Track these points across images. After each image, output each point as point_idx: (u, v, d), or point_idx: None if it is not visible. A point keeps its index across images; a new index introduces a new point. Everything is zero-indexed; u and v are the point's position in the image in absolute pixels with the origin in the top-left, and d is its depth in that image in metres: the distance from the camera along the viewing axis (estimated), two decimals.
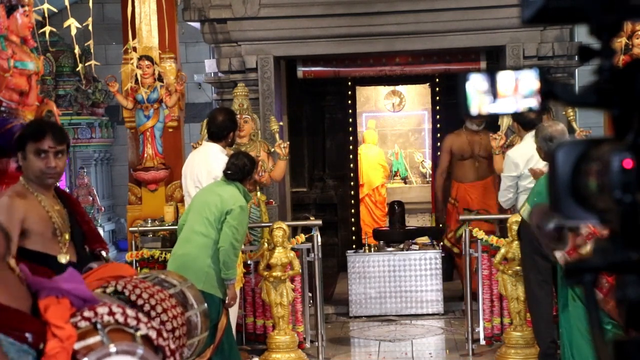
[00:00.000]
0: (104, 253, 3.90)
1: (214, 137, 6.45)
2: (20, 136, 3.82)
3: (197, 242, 5.60)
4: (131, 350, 2.73)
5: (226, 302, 5.63)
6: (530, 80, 1.40)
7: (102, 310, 2.83)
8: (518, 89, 1.41)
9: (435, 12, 8.83)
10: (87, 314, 2.80)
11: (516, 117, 6.59)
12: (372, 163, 12.86)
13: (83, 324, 2.77)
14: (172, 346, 2.97)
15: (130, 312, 2.88)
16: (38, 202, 3.71)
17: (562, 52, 8.92)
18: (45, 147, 3.74)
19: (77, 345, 2.69)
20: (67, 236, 3.75)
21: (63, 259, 3.70)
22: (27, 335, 2.63)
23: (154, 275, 3.41)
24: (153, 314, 3.08)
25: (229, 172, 5.75)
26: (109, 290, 3.11)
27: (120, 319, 2.84)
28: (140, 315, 2.91)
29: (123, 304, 2.96)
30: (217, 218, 5.58)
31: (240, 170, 5.74)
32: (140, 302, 3.09)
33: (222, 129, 6.41)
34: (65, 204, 3.87)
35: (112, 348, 2.71)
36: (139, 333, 2.85)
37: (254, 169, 5.88)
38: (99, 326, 2.78)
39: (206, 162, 6.39)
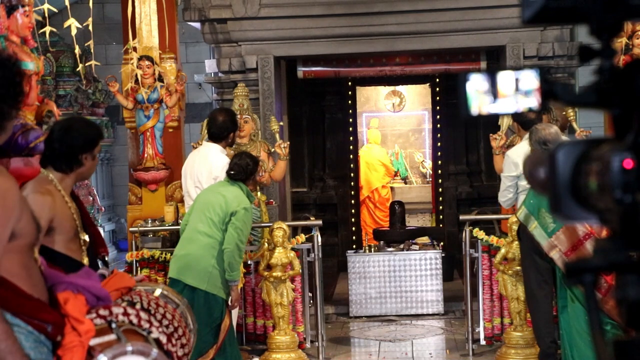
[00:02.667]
0: (105, 257, 3.89)
1: (214, 137, 6.44)
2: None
3: (200, 242, 5.59)
4: (146, 351, 2.75)
5: (230, 303, 5.63)
6: (530, 80, 1.40)
7: (117, 310, 2.86)
8: (518, 89, 1.41)
9: (436, 12, 8.83)
10: (102, 312, 2.82)
11: (516, 117, 6.58)
12: (371, 164, 12.85)
13: (98, 321, 2.80)
14: (180, 353, 2.99)
15: (143, 314, 2.90)
16: (65, 202, 3.67)
17: (562, 52, 8.92)
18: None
19: (93, 342, 2.71)
20: (86, 237, 3.71)
21: (84, 260, 3.68)
22: (47, 326, 2.63)
23: (159, 290, 3.41)
24: (176, 335, 3.14)
25: (232, 172, 5.75)
26: (138, 307, 3.14)
27: (134, 321, 2.86)
28: (153, 319, 2.93)
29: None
30: (221, 219, 5.58)
31: (243, 171, 5.74)
32: (165, 322, 3.14)
33: (222, 129, 6.41)
34: (77, 204, 3.84)
35: (129, 347, 2.73)
36: (151, 336, 2.87)
37: (256, 169, 5.88)
38: (113, 325, 2.81)
39: (206, 163, 6.39)
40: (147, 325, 2.89)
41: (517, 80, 1.41)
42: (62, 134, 3.68)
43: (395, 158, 14.58)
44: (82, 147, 3.69)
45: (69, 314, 2.70)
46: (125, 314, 2.86)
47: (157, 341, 2.89)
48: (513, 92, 1.41)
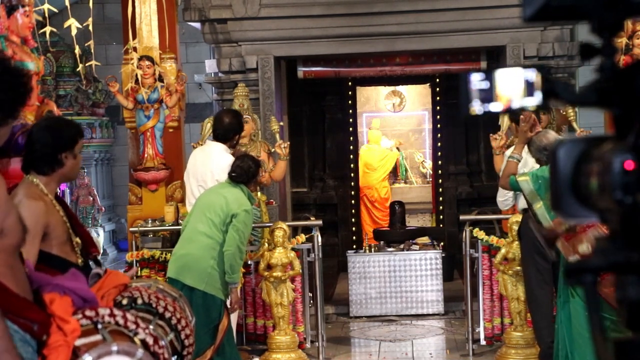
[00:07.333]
0: (97, 257, 3.88)
1: (219, 138, 6.43)
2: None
3: (200, 242, 5.59)
4: (131, 351, 2.75)
5: (229, 306, 5.63)
6: (530, 79, 1.40)
7: (103, 311, 2.85)
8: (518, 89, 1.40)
9: (436, 12, 8.83)
10: (88, 313, 2.82)
11: (513, 118, 6.55)
12: (370, 164, 12.86)
13: (84, 322, 2.79)
14: (166, 355, 2.98)
15: (130, 316, 2.90)
16: (53, 206, 3.65)
17: (562, 52, 8.92)
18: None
19: (78, 342, 2.71)
20: (78, 240, 3.69)
21: (79, 261, 3.67)
22: (33, 325, 2.63)
23: (154, 285, 3.41)
24: (179, 327, 3.17)
25: (234, 174, 5.75)
26: (139, 302, 3.15)
27: (121, 322, 2.86)
28: (139, 320, 2.93)
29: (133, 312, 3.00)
30: (222, 220, 5.58)
31: (245, 173, 5.74)
32: (167, 314, 3.17)
33: (228, 131, 6.40)
34: (63, 207, 3.82)
35: (114, 347, 2.72)
36: (137, 337, 2.87)
37: (258, 172, 5.89)
38: (99, 326, 2.80)
39: (211, 162, 6.38)
40: (133, 327, 2.88)
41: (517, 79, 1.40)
42: (41, 134, 3.61)
43: None
44: (61, 146, 3.61)
45: (55, 314, 2.69)
46: (112, 315, 2.86)
47: (144, 342, 2.89)
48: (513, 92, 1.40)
